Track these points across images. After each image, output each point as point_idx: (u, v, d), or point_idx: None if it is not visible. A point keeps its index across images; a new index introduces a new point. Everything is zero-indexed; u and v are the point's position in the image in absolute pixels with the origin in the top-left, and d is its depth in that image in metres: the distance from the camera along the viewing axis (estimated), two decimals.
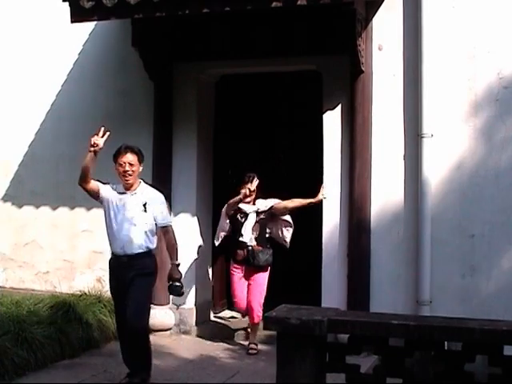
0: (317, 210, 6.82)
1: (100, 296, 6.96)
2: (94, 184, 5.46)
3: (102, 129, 5.32)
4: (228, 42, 7.01)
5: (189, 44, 7.19)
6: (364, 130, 6.52)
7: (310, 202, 6.67)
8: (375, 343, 3.36)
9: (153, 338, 6.94)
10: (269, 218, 6.91)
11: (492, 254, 6.18)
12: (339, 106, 6.71)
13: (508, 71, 6.16)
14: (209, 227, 7.55)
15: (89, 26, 7.48)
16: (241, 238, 6.79)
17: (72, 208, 7.81)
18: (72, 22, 6.50)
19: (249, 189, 6.67)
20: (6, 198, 8.21)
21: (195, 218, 7.37)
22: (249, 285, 6.82)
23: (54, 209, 7.86)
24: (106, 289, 7.11)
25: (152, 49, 7.09)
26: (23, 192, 8.07)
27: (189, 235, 7.30)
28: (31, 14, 7.95)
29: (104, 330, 6.67)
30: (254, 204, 6.88)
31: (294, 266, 8.45)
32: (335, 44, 6.49)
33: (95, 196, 5.55)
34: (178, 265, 5.59)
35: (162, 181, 7.29)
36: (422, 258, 6.27)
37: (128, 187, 5.49)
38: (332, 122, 6.74)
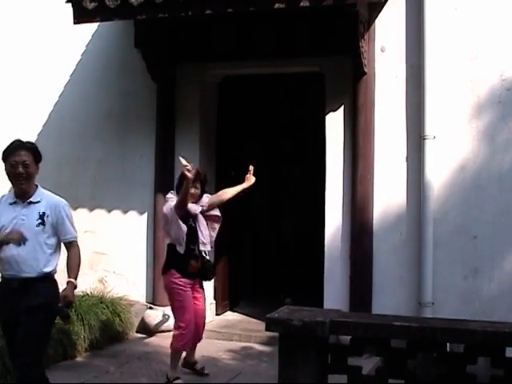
0: (319, 211, 6.83)
1: (102, 297, 6.96)
2: None
3: None
4: (230, 44, 7.02)
5: (191, 45, 7.20)
6: (366, 132, 6.52)
7: (243, 189, 6.02)
8: (377, 345, 3.37)
9: (155, 339, 6.98)
10: None
11: (494, 255, 6.18)
12: (341, 108, 6.71)
13: (511, 73, 6.15)
14: None
15: (92, 27, 7.48)
16: (202, 247, 5.73)
17: (74, 209, 7.74)
18: (75, 22, 6.52)
19: (195, 170, 5.56)
20: None
21: None
22: (197, 301, 5.83)
23: None
24: (108, 289, 7.15)
25: (155, 50, 7.10)
26: None
27: None
28: (34, 15, 7.95)
29: (106, 331, 6.67)
30: (197, 203, 5.78)
31: (296, 268, 8.45)
32: (338, 45, 6.49)
33: None
34: (75, 286, 4.45)
35: (164, 182, 7.29)
36: (425, 259, 6.26)
37: (21, 194, 4.42)
38: (334, 123, 6.73)
